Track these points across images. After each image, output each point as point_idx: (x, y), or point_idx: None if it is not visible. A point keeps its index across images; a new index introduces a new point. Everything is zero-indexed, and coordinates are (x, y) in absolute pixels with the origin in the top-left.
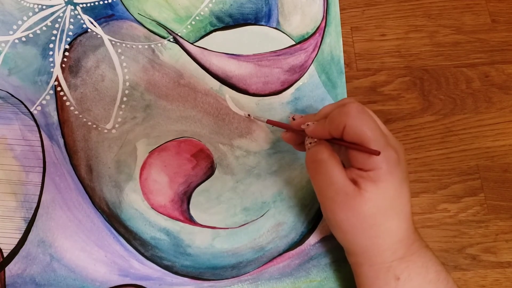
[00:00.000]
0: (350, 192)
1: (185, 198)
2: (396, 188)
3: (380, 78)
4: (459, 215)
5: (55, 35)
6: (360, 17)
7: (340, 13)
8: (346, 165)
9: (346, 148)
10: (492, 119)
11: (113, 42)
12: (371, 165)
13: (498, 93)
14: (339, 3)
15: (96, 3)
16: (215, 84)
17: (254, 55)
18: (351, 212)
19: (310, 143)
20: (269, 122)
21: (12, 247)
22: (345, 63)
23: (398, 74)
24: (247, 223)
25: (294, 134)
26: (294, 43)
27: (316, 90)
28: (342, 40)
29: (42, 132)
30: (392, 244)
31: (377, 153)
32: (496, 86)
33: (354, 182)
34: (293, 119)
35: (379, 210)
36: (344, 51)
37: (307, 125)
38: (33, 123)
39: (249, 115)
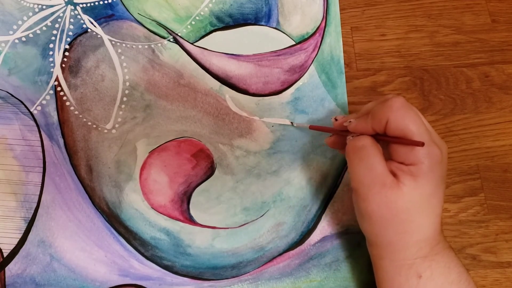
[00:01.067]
0: (388, 182)
1: (185, 198)
2: (434, 186)
3: (380, 78)
4: (459, 215)
5: (55, 35)
6: (360, 17)
7: (340, 13)
8: (387, 159)
9: (388, 144)
10: (492, 119)
11: (113, 42)
12: (413, 159)
13: (498, 93)
14: (339, 3)
15: (96, 3)
16: (215, 84)
17: (254, 55)
18: (385, 203)
19: (352, 136)
20: (311, 127)
21: (12, 247)
22: (345, 63)
23: (398, 74)
24: (247, 223)
25: (339, 137)
26: (294, 43)
27: (316, 90)
28: (342, 40)
29: (42, 132)
30: (418, 242)
31: (421, 144)
32: (496, 86)
33: (394, 174)
34: (336, 119)
35: (413, 206)
36: (344, 51)
37: (350, 121)
38: (33, 123)
39: (292, 123)
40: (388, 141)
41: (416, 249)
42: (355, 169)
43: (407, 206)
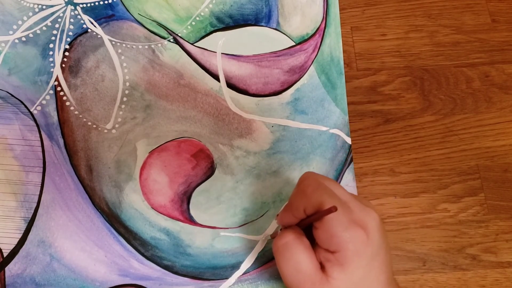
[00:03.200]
0: (317, 281)
1: (185, 198)
2: (364, 270)
3: (380, 78)
4: (459, 215)
5: (55, 35)
6: (360, 17)
7: (340, 13)
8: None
9: (313, 230)
10: (492, 119)
11: (113, 42)
12: (336, 246)
13: (498, 93)
14: (339, 3)
15: (96, 3)
16: (215, 84)
17: (254, 55)
18: None
19: (273, 234)
20: (272, 236)
21: (12, 247)
22: (345, 63)
23: (398, 74)
24: (247, 223)
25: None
26: (294, 44)
27: (315, 91)
28: (342, 40)
29: (42, 132)
30: None
31: (334, 209)
32: (496, 86)
33: (322, 265)
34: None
35: None
36: (344, 51)
37: (277, 215)
38: (33, 123)
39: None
40: (310, 223)
41: None
42: (283, 270)
43: None
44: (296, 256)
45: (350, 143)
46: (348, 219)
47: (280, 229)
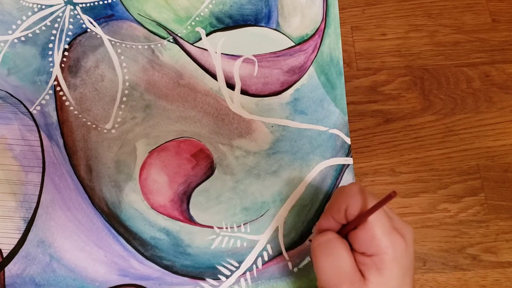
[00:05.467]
0: (356, 281)
1: (185, 198)
2: (401, 277)
3: (381, 77)
4: (459, 215)
5: (55, 35)
6: (360, 17)
7: (340, 13)
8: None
9: (349, 234)
10: (493, 119)
11: (113, 42)
12: (375, 249)
13: (498, 92)
14: (339, 2)
15: (96, 3)
16: (215, 84)
17: (254, 56)
18: None
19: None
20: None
21: (11, 247)
22: (345, 63)
23: (398, 73)
24: (247, 223)
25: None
26: (293, 44)
27: (315, 91)
28: (342, 40)
29: (42, 132)
30: None
31: (394, 194)
32: (497, 86)
33: (358, 268)
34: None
35: None
36: (345, 51)
37: (316, 224)
38: (32, 123)
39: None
40: (352, 228)
41: None
42: (322, 267)
43: None
44: (338, 253)
45: (350, 143)
46: (390, 224)
47: None
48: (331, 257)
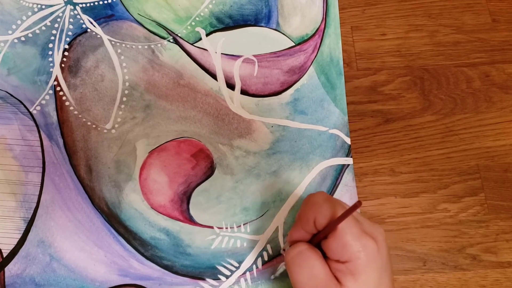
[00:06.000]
0: (332, 287)
1: (185, 198)
2: (378, 279)
3: (381, 77)
4: (459, 215)
5: (55, 35)
6: (361, 17)
7: (340, 12)
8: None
9: (321, 243)
10: (493, 119)
11: (113, 42)
12: (348, 255)
13: (498, 92)
14: (339, 2)
15: (96, 3)
16: (215, 84)
17: (254, 56)
18: None
19: (285, 249)
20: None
21: (11, 247)
22: (345, 63)
23: (398, 73)
24: (247, 223)
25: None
26: (293, 44)
27: (315, 91)
28: (342, 40)
29: (42, 132)
30: None
31: (359, 204)
32: (497, 86)
33: (334, 276)
34: (284, 250)
35: None
36: (345, 51)
37: (287, 235)
38: (32, 123)
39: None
40: (323, 237)
41: None
42: (298, 278)
43: None
44: (312, 263)
45: (350, 143)
46: (360, 229)
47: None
48: (305, 268)
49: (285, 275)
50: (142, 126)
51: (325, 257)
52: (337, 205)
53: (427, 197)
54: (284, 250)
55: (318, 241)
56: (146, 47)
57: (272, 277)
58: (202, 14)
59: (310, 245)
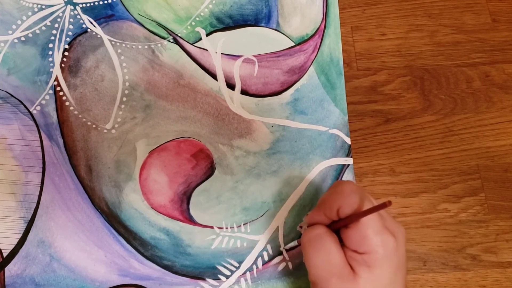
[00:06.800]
0: (346, 275)
1: (185, 198)
2: (392, 275)
3: (381, 77)
4: (459, 215)
5: (55, 35)
6: (361, 17)
7: (340, 12)
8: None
9: (340, 231)
10: (493, 119)
11: (113, 42)
12: (367, 248)
13: (498, 92)
14: (339, 2)
15: (96, 3)
16: (215, 84)
17: (253, 56)
18: None
19: (302, 227)
20: (299, 242)
21: (11, 247)
22: (345, 63)
23: (398, 73)
24: (247, 223)
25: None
26: (293, 44)
27: (315, 91)
28: (343, 40)
29: (42, 132)
30: None
31: (389, 203)
32: (497, 86)
33: (349, 264)
34: (301, 227)
35: None
36: (345, 51)
37: (306, 215)
38: (32, 123)
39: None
40: (343, 225)
41: None
42: (312, 261)
43: None
44: (329, 248)
45: (350, 143)
46: (382, 225)
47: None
48: (322, 252)
49: (299, 257)
50: (142, 126)
51: (341, 243)
52: (364, 198)
53: (427, 197)
54: (301, 227)
55: (337, 228)
56: (146, 47)
57: (286, 247)
58: (202, 14)
59: (329, 229)
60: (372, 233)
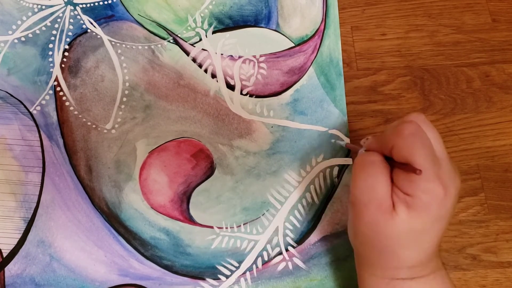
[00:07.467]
0: (385, 207)
1: (185, 198)
2: (428, 224)
3: (381, 77)
4: (459, 215)
5: (55, 35)
6: (360, 17)
7: (340, 12)
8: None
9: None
10: (493, 119)
11: (113, 43)
12: (411, 190)
13: (498, 92)
14: (339, 2)
15: (96, 4)
16: (215, 85)
17: (253, 56)
18: (374, 226)
19: (362, 146)
20: (347, 146)
21: (11, 247)
22: (345, 63)
23: (398, 73)
24: (247, 223)
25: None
26: (293, 45)
27: (315, 92)
28: (342, 40)
29: (42, 132)
30: (401, 267)
31: (419, 172)
32: (497, 86)
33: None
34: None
35: (399, 239)
36: (344, 51)
37: (366, 138)
38: (32, 123)
39: (334, 140)
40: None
41: (399, 271)
42: (359, 183)
43: (393, 236)
44: (378, 177)
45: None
46: (434, 173)
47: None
48: (371, 177)
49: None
50: (142, 126)
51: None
52: (420, 145)
53: None
54: (361, 146)
55: (393, 162)
56: (146, 47)
57: (336, 142)
58: (202, 14)
59: (384, 159)
60: (421, 179)
